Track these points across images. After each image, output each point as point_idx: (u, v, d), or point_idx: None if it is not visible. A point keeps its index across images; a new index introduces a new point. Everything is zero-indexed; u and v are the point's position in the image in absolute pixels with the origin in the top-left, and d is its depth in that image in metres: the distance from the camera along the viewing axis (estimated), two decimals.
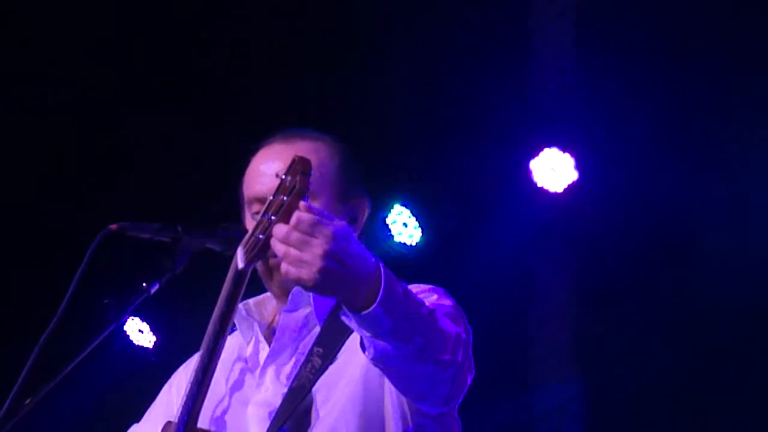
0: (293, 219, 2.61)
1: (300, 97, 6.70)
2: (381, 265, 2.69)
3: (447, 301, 3.14)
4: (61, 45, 6.88)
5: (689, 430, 6.64)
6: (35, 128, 7.07)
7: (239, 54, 6.89)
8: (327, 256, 2.58)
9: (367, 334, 2.73)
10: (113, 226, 3.26)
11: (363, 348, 2.81)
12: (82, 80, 6.98)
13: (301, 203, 2.64)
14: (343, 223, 2.68)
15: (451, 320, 3.01)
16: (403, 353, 2.75)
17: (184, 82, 6.98)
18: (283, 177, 2.69)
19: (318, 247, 2.58)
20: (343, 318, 2.74)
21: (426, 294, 3.14)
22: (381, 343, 2.74)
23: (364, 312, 2.67)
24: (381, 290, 2.66)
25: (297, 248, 2.59)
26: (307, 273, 2.59)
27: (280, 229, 2.62)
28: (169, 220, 3.36)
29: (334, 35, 6.74)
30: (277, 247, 2.62)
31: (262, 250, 2.73)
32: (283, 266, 2.62)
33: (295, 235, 2.59)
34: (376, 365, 2.84)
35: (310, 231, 2.59)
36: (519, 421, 7.06)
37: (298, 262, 2.59)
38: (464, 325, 3.10)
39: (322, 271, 2.58)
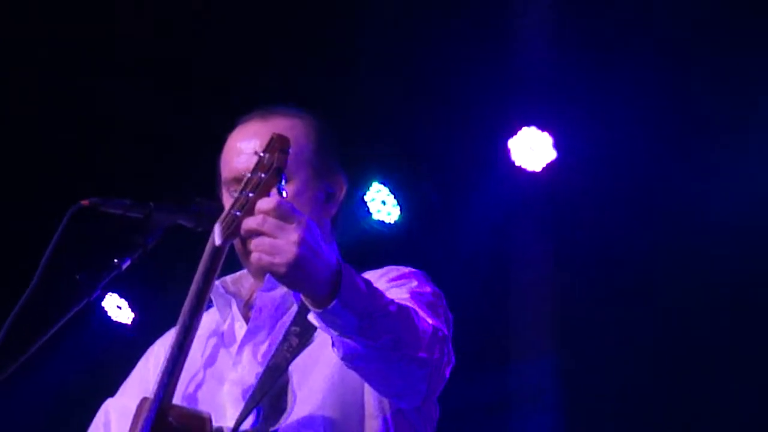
0: (270, 204, 2.59)
1: (277, 74, 6.69)
2: (341, 260, 2.68)
3: (426, 288, 3.14)
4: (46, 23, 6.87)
5: (668, 408, 6.67)
6: (8, 104, 7.05)
7: (215, 30, 6.87)
8: (302, 242, 2.57)
9: (335, 333, 2.72)
10: (84, 202, 3.26)
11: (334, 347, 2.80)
12: (56, 55, 6.96)
13: (273, 196, 2.64)
14: (310, 218, 2.67)
15: (431, 311, 3.01)
16: (372, 351, 2.74)
17: (159, 58, 6.96)
18: (261, 154, 2.70)
19: (293, 233, 2.57)
20: (310, 319, 2.73)
21: (405, 280, 3.15)
22: (349, 342, 2.72)
23: (325, 308, 2.65)
24: (341, 285, 2.64)
25: (271, 234, 2.58)
26: (281, 259, 2.57)
27: (251, 220, 2.61)
28: (142, 197, 3.36)
29: (311, 12, 6.73)
30: (251, 238, 2.61)
31: (239, 227, 2.71)
32: (255, 255, 2.61)
33: (271, 221, 2.58)
34: (348, 365, 2.83)
35: (287, 217, 2.58)
36: (496, 399, 7.07)
37: (272, 249, 2.58)
38: (444, 315, 3.11)
39: (297, 258, 2.57)
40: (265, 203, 2.61)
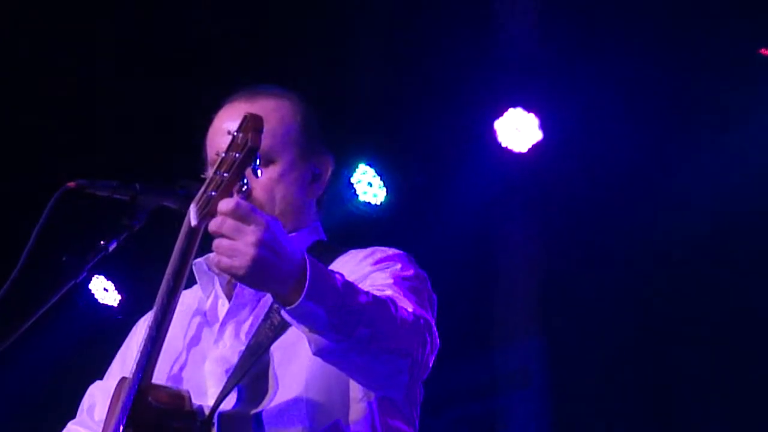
0: (228, 205, 2.58)
1: (264, 54, 6.68)
2: (308, 257, 2.66)
3: (410, 271, 3.12)
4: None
5: (652, 390, 6.69)
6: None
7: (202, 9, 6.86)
8: (260, 244, 2.56)
9: (305, 329, 2.71)
10: (71, 184, 3.24)
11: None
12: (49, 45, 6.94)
13: (233, 197, 2.62)
14: (273, 216, 2.66)
15: (414, 295, 3.00)
16: (346, 346, 2.72)
17: (147, 40, 6.94)
18: (235, 134, 2.67)
19: (251, 234, 2.56)
20: (283, 315, 2.72)
21: (389, 263, 3.13)
22: (320, 338, 2.71)
23: (293, 306, 2.64)
24: (307, 282, 2.62)
25: (230, 236, 2.57)
26: (240, 261, 2.56)
27: (212, 221, 2.60)
28: (130, 178, 3.35)
29: None
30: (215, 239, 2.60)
31: (214, 207, 2.69)
32: (215, 257, 2.60)
33: (229, 223, 2.57)
34: (324, 360, 2.81)
35: (245, 218, 2.57)
36: (482, 382, 7.09)
37: (231, 251, 2.57)
38: (428, 298, 3.10)
39: (255, 260, 2.56)
40: (224, 204, 2.59)
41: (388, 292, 2.93)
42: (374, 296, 2.79)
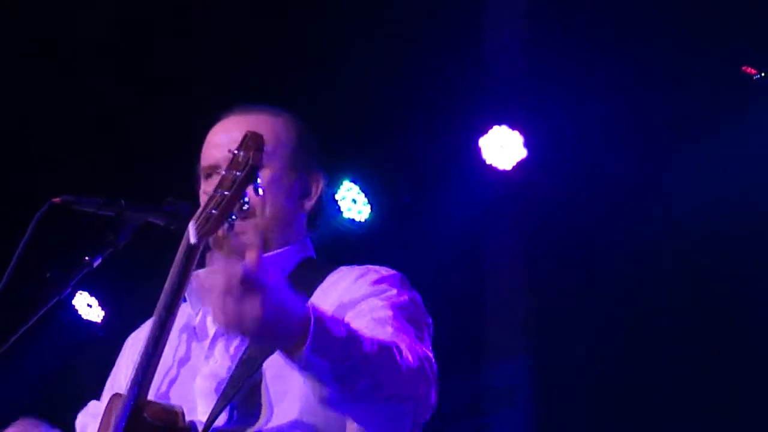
0: (236, 272, 2.55)
1: (250, 73, 6.68)
2: (313, 310, 2.65)
3: (404, 296, 3.11)
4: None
5: (639, 406, 6.69)
6: None
7: (189, 25, 6.86)
8: (264, 310, 2.55)
9: (310, 377, 2.71)
10: (56, 200, 3.25)
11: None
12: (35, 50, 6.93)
13: (242, 266, 2.59)
14: (280, 277, 2.65)
15: (414, 327, 2.99)
16: (350, 396, 2.72)
17: (138, 52, 6.94)
18: (236, 152, 2.67)
19: (256, 300, 2.55)
20: (287, 363, 2.72)
21: (385, 286, 3.12)
22: (325, 388, 2.71)
23: (297, 357, 2.64)
24: (310, 335, 2.62)
25: (236, 297, 2.55)
26: (245, 324, 2.56)
27: (219, 280, 2.58)
28: (116, 195, 3.35)
29: (283, 10, 6.73)
30: (217, 302, 2.60)
31: (214, 225, 2.70)
32: (221, 317, 2.58)
33: (237, 284, 2.55)
34: (328, 407, 2.81)
35: (251, 287, 2.55)
36: (469, 400, 7.08)
37: (236, 312, 2.56)
38: (424, 323, 3.09)
39: (260, 322, 2.56)
40: (233, 270, 2.57)
41: (389, 330, 2.92)
42: (379, 344, 2.78)
